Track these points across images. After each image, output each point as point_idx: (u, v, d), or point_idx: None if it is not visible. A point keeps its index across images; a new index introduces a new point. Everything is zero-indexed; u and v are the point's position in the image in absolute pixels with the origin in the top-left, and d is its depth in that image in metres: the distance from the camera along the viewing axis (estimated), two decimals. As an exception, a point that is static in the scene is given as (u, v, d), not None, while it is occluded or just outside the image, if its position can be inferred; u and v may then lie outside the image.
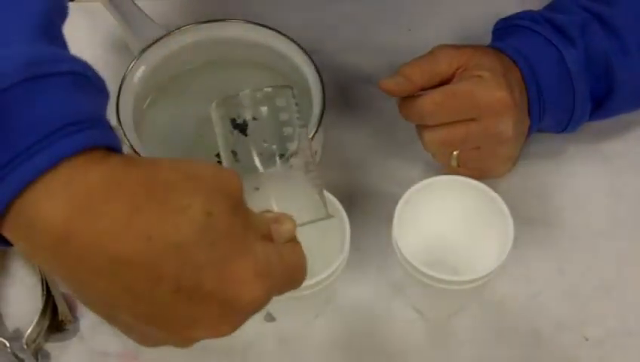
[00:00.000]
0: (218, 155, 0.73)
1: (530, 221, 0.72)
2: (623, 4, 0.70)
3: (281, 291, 0.48)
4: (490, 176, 0.72)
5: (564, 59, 0.68)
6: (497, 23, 0.74)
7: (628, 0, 0.70)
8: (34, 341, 0.66)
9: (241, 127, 0.68)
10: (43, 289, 0.67)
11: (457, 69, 0.67)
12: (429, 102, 0.66)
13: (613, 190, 0.75)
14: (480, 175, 0.71)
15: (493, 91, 0.65)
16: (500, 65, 0.67)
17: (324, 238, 0.65)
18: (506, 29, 0.73)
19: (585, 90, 0.69)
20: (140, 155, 0.66)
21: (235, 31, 0.71)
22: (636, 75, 0.69)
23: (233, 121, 0.75)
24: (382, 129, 0.78)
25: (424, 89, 0.67)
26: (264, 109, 0.56)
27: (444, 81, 0.67)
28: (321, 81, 0.68)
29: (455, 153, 0.68)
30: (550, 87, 0.69)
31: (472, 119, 0.66)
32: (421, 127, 0.68)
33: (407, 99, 0.68)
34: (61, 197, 0.41)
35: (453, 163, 0.69)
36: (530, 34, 0.70)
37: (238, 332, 0.68)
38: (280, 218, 0.49)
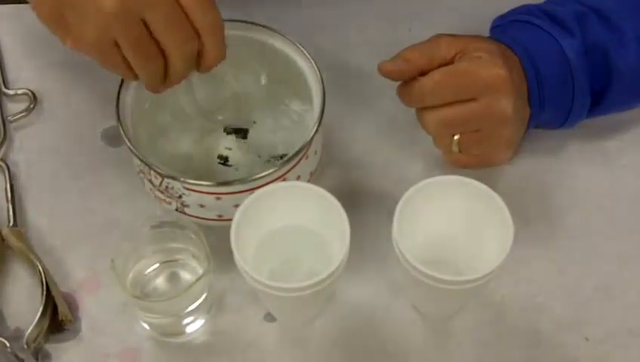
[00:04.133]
0: (220, 157, 0.74)
1: (530, 221, 0.72)
2: None
3: None
4: (491, 163, 0.72)
5: (563, 50, 0.69)
6: (495, 21, 0.75)
7: None
8: (34, 341, 0.66)
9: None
10: (43, 289, 0.67)
11: (456, 54, 0.68)
12: (429, 81, 0.66)
13: (613, 190, 0.75)
14: (481, 162, 0.71)
15: (491, 69, 0.66)
16: (497, 49, 0.68)
17: (325, 238, 0.65)
18: (504, 25, 0.73)
19: (584, 80, 0.69)
20: (138, 155, 0.66)
21: (235, 31, 0.70)
22: (634, 67, 0.69)
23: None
24: (382, 129, 0.78)
25: (423, 73, 0.67)
26: None
27: (443, 65, 0.67)
28: (322, 81, 0.68)
29: (456, 137, 0.68)
30: (550, 77, 0.69)
31: (473, 99, 0.66)
32: (422, 110, 0.69)
33: (406, 83, 0.68)
34: None
35: (454, 148, 0.69)
36: (528, 26, 0.71)
37: (238, 332, 0.69)
38: None
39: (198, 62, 0.62)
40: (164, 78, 0.62)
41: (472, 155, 0.70)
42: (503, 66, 0.66)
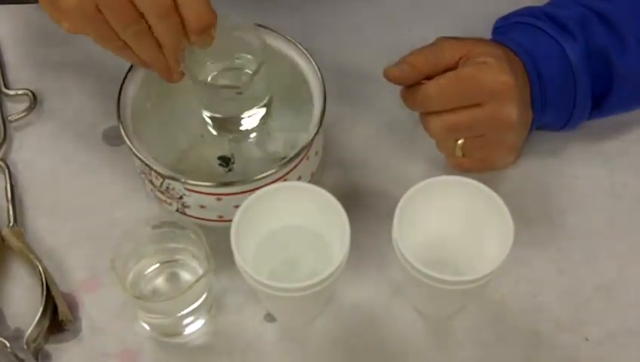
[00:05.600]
0: (221, 158, 0.74)
1: (530, 221, 0.72)
2: (622, 0, 0.70)
3: None
4: (494, 167, 0.72)
5: (565, 53, 0.69)
6: (497, 22, 0.75)
7: None
8: (34, 341, 0.66)
9: None
10: (43, 289, 0.67)
11: (460, 58, 0.67)
12: (434, 86, 0.66)
13: (613, 190, 0.75)
14: (483, 166, 0.71)
15: (497, 75, 0.66)
16: (502, 54, 0.68)
17: (325, 238, 0.65)
18: (506, 27, 0.73)
19: (586, 83, 0.69)
20: (139, 156, 0.66)
21: (236, 32, 0.70)
22: (636, 71, 0.69)
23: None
24: (382, 129, 0.78)
25: (428, 78, 0.67)
26: None
27: (448, 70, 0.67)
28: (322, 81, 0.68)
29: (460, 142, 0.68)
30: (552, 80, 0.69)
31: (477, 105, 0.66)
32: (426, 115, 0.69)
33: (411, 88, 0.68)
34: None
35: (458, 152, 0.69)
36: (531, 29, 0.71)
37: (238, 332, 0.69)
38: None
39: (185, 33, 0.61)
40: (159, 55, 0.62)
41: (475, 159, 0.70)
42: (509, 73, 0.66)
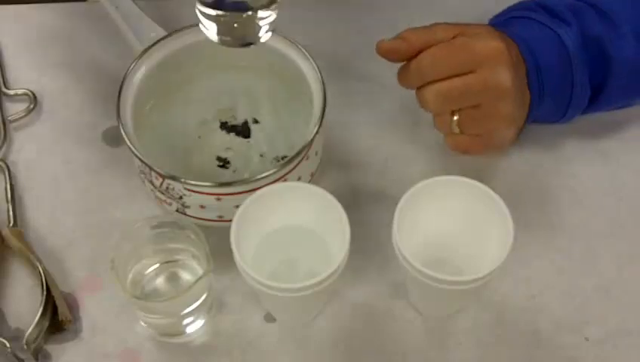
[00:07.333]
0: (219, 158, 0.74)
1: (530, 221, 0.72)
2: None
3: None
4: (493, 144, 0.71)
5: (561, 41, 0.69)
6: (492, 20, 0.75)
7: None
8: (34, 341, 0.66)
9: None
10: (43, 290, 0.67)
11: (454, 37, 0.68)
12: (426, 56, 0.67)
13: (613, 190, 0.75)
14: (482, 143, 0.70)
15: (488, 41, 0.67)
16: (496, 31, 0.68)
17: (325, 238, 0.65)
18: (502, 23, 0.73)
19: (583, 71, 0.69)
20: (139, 156, 0.66)
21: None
22: (630, 61, 0.69)
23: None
24: (382, 129, 0.78)
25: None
26: None
27: None
28: (322, 81, 0.68)
29: (455, 118, 0.68)
30: (549, 68, 0.69)
31: (471, 72, 0.66)
32: (420, 88, 0.68)
33: (405, 65, 0.69)
34: None
35: (455, 129, 0.69)
36: (526, 21, 0.71)
37: (238, 332, 0.69)
38: None
39: None
40: None
41: (473, 137, 0.70)
42: (500, 40, 0.66)
